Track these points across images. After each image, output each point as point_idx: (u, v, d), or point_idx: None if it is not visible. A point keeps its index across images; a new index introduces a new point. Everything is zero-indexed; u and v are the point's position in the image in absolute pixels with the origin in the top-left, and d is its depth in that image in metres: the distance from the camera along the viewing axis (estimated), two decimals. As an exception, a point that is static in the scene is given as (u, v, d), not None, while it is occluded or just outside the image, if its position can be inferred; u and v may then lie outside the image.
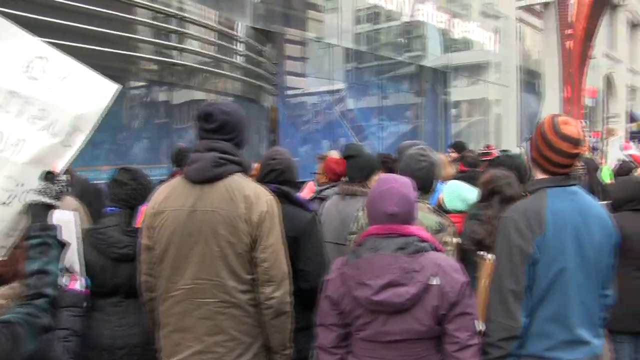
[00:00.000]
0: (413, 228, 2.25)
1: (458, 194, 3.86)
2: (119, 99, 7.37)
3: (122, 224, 2.95)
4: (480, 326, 2.29)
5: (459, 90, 18.16)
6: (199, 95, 9.18)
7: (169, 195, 2.52)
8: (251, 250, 2.47)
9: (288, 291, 2.55)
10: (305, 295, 2.87)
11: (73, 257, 2.56)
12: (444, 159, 5.02)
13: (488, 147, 8.67)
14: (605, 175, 8.02)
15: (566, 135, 2.29)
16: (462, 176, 5.43)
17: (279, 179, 3.16)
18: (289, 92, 13.49)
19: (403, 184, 2.30)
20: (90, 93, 2.03)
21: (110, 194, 3.06)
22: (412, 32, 16.00)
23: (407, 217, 2.24)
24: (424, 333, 2.15)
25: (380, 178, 2.40)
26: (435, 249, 2.26)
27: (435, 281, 2.13)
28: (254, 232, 2.45)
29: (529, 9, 21.01)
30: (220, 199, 2.45)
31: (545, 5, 20.72)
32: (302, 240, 2.98)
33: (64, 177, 1.97)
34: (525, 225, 2.24)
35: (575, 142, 2.30)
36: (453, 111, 17.84)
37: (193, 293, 2.45)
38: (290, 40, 13.10)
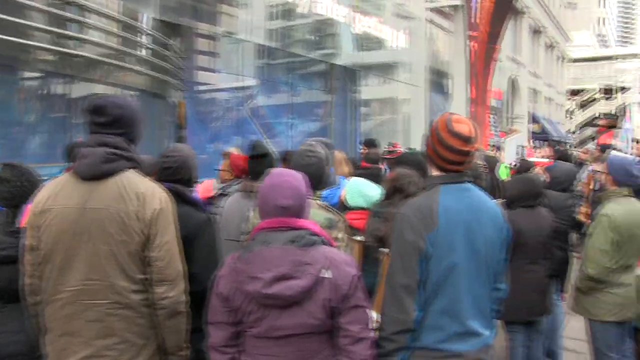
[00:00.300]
0: (305, 221, 2.27)
1: (359, 190, 3.90)
2: (11, 90, 6.91)
3: (4, 224, 2.79)
4: (376, 317, 2.36)
5: (370, 89, 18.50)
6: (100, 88, 8.74)
7: (56, 193, 2.41)
8: (144, 249, 2.40)
9: (183, 290, 2.50)
10: (197, 297, 2.78)
11: None
12: (339, 156, 5.07)
13: (394, 145, 8.89)
14: (503, 173, 8.37)
15: (457, 132, 2.36)
16: (364, 173, 5.56)
17: (173, 177, 3.10)
18: (199, 88, 13.21)
19: (295, 177, 2.32)
20: None
21: None
22: (325, 30, 16.10)
23: (299, 211, 2.26)
24: (316, 327, 2.17)
25: (272, 172, 2.40)
26: (327, 243, 2.29)
27: (327, 274, 2.16)
28: (146, 230, 2.39)
29: (439, 11, 21.73)
30: (111, 196, 2.37)
31: (454, 7, 21.50)
32: (193, 242, 2.92)
33: None
34: (417, 221, 2.30)
35: (466, 139, 2.36)
36: (363, 109, 18.14)
37: (82, 295, 2.35)
38: (201, 34, 12.81)
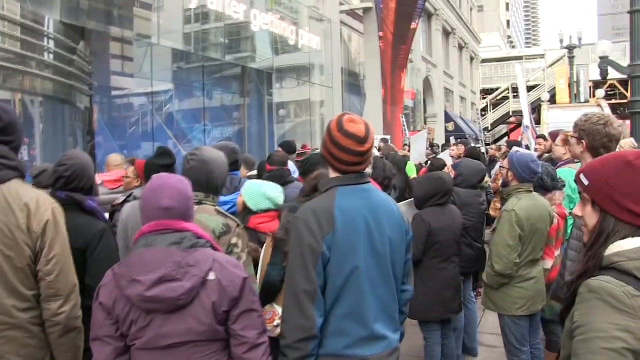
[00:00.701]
0: (188, 224, 2.17)
1: (262, 192, 3.75)
2: None
3: None
4: (282, 311, 2.30)
5: (285, 92, 18.57)
6: (2, 94, 8.46)
7: None
8: (33, 263, 2.29)
9: (78, 304, 2.40)
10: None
11: None
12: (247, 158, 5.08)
13: (303, 146, 9.05)
14: (410, 170, 8.53)
15: (351, 133, 2.30)
16: (271, 175, 5.58)
17: (69, 185, 2.98)
18: (112, 93, 12.89)
19: (178, 179, 2.24)
20: None
21: None
22: (240, 33, 16.08)
23: (182, 213, 2.16)
24: (205, 333, 2.07)
25: (153, 176, 2.28)
26: (212, 247, 2.20)
27: (212, 275, 2.07)
28: (36, 243, 2.29)
29: (352, 13, 22.08)
30: None
31: (366, 10, 21.94)
32: (89, 253, 2.82)
33: None
34: (314, 224, 2.22)
35: (360, 139, 2.30)
36: (279, 112, 18.21)
37: None
38: (114, 37, 12.49)
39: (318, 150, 5.64)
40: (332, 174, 2.40)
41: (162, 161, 3.71)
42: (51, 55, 9.49)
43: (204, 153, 2.96)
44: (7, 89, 8.59)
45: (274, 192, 3.77)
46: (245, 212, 3.71)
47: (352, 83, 22.26)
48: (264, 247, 3.39)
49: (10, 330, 2.25)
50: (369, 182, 2.44)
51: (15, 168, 2.35)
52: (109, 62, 12.74)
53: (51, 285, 2.32)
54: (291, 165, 5.78)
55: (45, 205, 2.35)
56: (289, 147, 8.45)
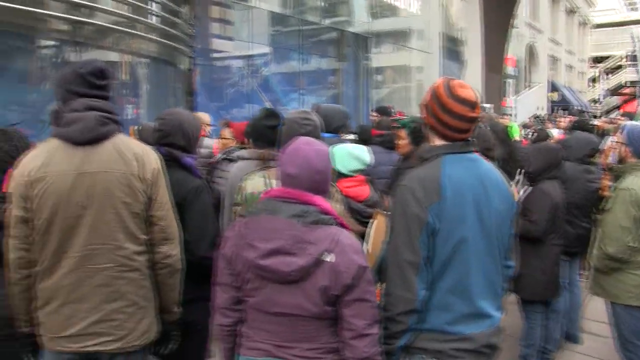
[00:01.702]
0: (316, 198, 2.10)
1: (351, 153, 3.65)
2: (27, 58, 7.13)
3: None
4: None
5: (382, 57, 18.28)
6: (112, 56, 8.93)
7: (46, 160, 2.34)
8: (147, 209, 2.42)
9: (181, 248, 2.54)
10: (188, 265, 2.77)
11: None
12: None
13: (398, 113, 8.83)
14: (515, 131, 7.94)
15: (462, 98, 2.20)
16: (379, 140, 5.47)
17: (165, 140, 3.04)
18: (211, 55, 13.21)
19: (314, 149, 2.14)
20: None
21: None
22: (337, -4, 16.00)
23: (310, 185, 2.09)
24: (313, 312, 2.03)
25: (299, 139, 2.23)
26: (340, 225, 2.11)
27: (329, 258, 1.99)
28: (149, 190, 2.41)
29: (454, -24, 21.37)
30: (110, 159, 2.36)
31: (468, -29, 21.09)
32: (186, 207, 2.87)
33: None
34: (421, 192, 2.13)
35: (472, 105, 2.21)
36: (375, 77, 18.00)
37: (87, 260, 2.34)
38: (213, 1, 12.80)
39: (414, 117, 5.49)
40: (437, 142, 2.30)
41: (269, 122, 3.69)
42: (157, 19, 9.83)
43: (316, 118, 3.03)
44: (118, 51, 9.04)
45: (359, 151, 3.70)
46: (337, 176, 3.58)
47: (451, 49, 21.57)
48: (373, 223, 3.40)
49: (130, 272, 2.40)
50: (474, 150, 2.33)
51: (118, 122, 2.48)
52: (208, 25, 13.02)
53: (163, 230, 2.45)
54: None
55: (152, 156, 2.49)
56: (384, 112, 8.30)
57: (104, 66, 2.48)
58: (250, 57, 13.28)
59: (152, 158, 2.48)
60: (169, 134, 3.06)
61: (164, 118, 3.13)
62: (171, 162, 2.98)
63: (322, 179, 2.15)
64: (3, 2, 6.41)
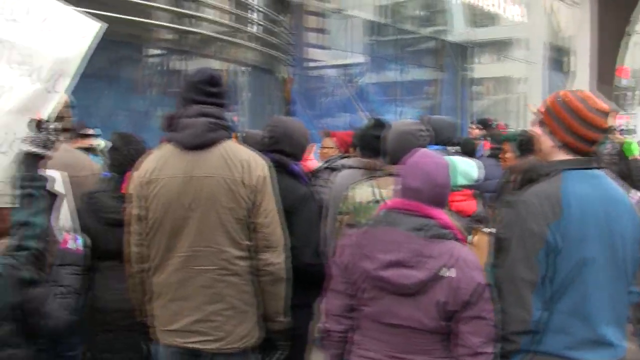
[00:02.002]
0: (436, 211, 2.07)
1: (457, 168, 3.49)
2: (135, 66, 7.40)
3: (111, 190, 2.91)
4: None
5: (482, 67, 17.82)
6: (214, 64, 9.14)
7: (159, 163, 2.45)
8: (250, 215, 2.42)
9: (285, 257, 2.51)
10: (294, 271, 2.79)
11: (67, 216, 2.54)
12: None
13: (498, 126, 8.36)
14: (634, 149, 7.36)
15: (599, 108, 2.11)
16: (492, 154, 5.36)
17: (274, 147, 3.05)
18: (307, 64, 13.39)
19: (435, 162, 2.13)
20: (72, 35, 1.90)
21: (108, 159, 3.04)
22: (435, 5, 15.72)
23: (432, 198, 2.07)
24: (429, 326, 2.00)
25: (419, 151, 2.22)
26: (458, 240, 2.08)
27: (448, 273, 1.96)
28: (253, 197, 2.42)
29: (561, -19, 20.40)
30: (217, 164, 2.41)
31: (577, -24, 20.08)
32: (294, 215, 2.86)
33: (52, 125, 1.88)
34: (539, 208, 2.04)
35: (606, 115, 2.13)
36: (474, 88, 17.53)
37: (191, 261, 2.41)
38: (311, 11, 12.94)
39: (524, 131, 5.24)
40: (559, 156, 2.17)
41: (377, 132, 3.58)
42: (257, 28, 10.02)
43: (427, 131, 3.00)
44: (220, 59, 9.27)
45: (466, 166, 3.58)
46: None
47: (556, 59, 20.60)
48: (471, 239, 3.20)
49: (230, 276, 2.42)
50: (598, 167, 2.19)
51: (229, 128, 2.52)
52: (305, 35, 13.16)
53: (266, 237, 2.44)
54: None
55: (259, 163, 2.48)
56: (485, 125, 8.05)
57: (216, 74, 2.53)
58: (346, 66, 13.29)
59: (259, 165, 2.47)
60: (278, 140, 3.06)
61: (274, 125, 3.15)
62: (279, 169, 2.97)
63: (443, 192, 2.13)
64: (114, 12, 6.70)
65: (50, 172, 2.31)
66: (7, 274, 1.64)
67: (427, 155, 2.17)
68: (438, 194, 2.09)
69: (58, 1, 1.94)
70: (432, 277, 1.95)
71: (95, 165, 3.71)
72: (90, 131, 4.24)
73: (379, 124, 3.64)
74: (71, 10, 1.95)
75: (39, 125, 1.84)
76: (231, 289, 2.43)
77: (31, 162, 1.82)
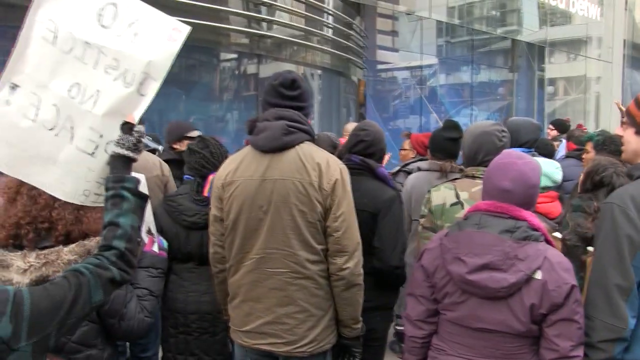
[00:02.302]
0: (526, 213, 2.06)
1: (541, 169, 3.61)
2: (210, 71, 7.53)
3: (192, 192, 2.98)
4: None
5: (556, 67, 17.28)
6: (288, 67, 9.19)
7: (238, 166, 2.51)
8: (323, 219, 2.43)
9: (360, 262, 2.49)
10: (379, 274, 2.84)
11: (149, 219, 2.57)
12: None
13: (578, 126, 8.09)
14: None
15: None
16: (573, 155, 5.24)
17: (366, 151, 3.10)
18: (378, 67, 13.35)
19: (527, 162, 2.11)
20: (160, 38, 1.93)
21: (186, 162, 3.09)
22: (507, 5, 15.37)
23: (523, 200, 2.06)
24: (518, 330, 1.98)
25: (503, 152, 2.24)
26: (547, 242, 2.06)
27: (539, 275, 1.95)
28: (326, 200, 2.41)
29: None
30: (291, 167, 2.42)
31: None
32: (379, 217, 2.92)
33: (140, 128, 1.90)
34: (634, 211, 1.98)
35: None
36: (549, 89, 17.00)
37: (263, 263, 2.45)
38: (381, 13, 12.91)
39: (606, 133, 5.07)
40: None
41: (449, 134, 3.73)
42: (330, 31, 10.01)
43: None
44: (292, 62, 9.31)
45: (550, 168, 3.53)
46: None
47: (636, 57, 19.68)
48: None
49: (302, 279, 2.42)
50: None
51: (307, 132, 2.51)
52: (376, 37, 13.15)
53: (338, 242, 2.42)
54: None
55: (334, 166, 2.46)
56: (561, 126, 7.97)
57: (296, 77, 2.54)
58: (417, 68, 13.16)
59: (333, 168, 2.45)
60: (370, 144, 3.11)
61: (366, 129, 3.17)
62: (366, 172, 3.04)
63: (534, 194, 2.13)
64: (188, 18, 6.80)
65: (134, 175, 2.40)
66: (97, 273, 1.64)
67: (517, 156, 2.15)
68: (530, 195, 2.09)
69: (145, 4, 1.96)
70: (523, 279, 1.94)
71: (165, 167, 3.74)
72: (196, 133, 4.28)
73: (451, 126, 3.73)
74: (159, 13, 1.97)
75: (128, 127, 1.87)
76: (302, 293, 2.44)
77: (121, 164, 1.85)
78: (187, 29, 1.97)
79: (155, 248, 2.54)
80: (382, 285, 2.86)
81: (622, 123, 2.26)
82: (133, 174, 2.00)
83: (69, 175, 1.86)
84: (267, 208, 2.42)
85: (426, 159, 4.64)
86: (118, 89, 1.87)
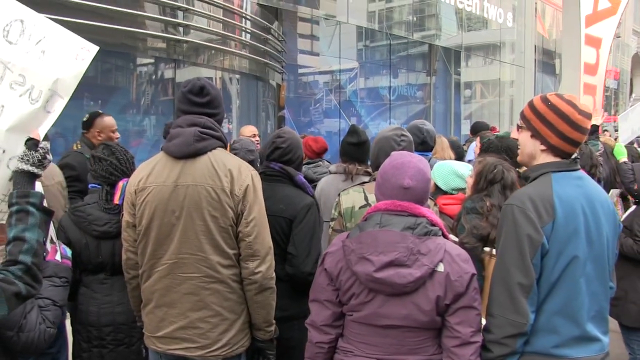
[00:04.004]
0: (424, 209, 2.13)
1: (454, 170, 3.61)
2: (126, 76, 7.41)
3: (101, 201, 2.90)
4: (484, 323, 2.17)
5: (473, 71, 17.88)
6: (205, 72, 9.12)
7: (151, 172, 2.50)
8: (235, 224, 2.45)
9: (272, 266, 2.52)
10: (292, 280, 2.86)
11: (50, 226, 2.56)
12: (444, 141, 4.86)
13: (492, 129, 8.40)
14: (619, 153, 7.48)
15: (583, 110, 2.17)
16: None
17: (283, 158, 3.11)
18: (299, 71, 13.42)
19: (419, 159, 2.19)
20: (68, 57, 1.94)
21: (90, 170, 2.99)
22: (425, 10, 15.78)
23: (420, 195, 2.13)
24: (423, 323, 2.04)
25: (394, 153, 2.29)
26: (444, 236, 2.14)
27: (441, 267, 2.01)
28: (237, 206, 2.44)
29: (549, -15, 20.52)
30: (203, 174, 2.44)
31: (565, -21, 20.18)
32: (294, 223, 2.94)
33: (45, 144, 1.89)
34: (533, 212, 2.06)
35: (590, 116, 2.19)
36: (466, 92, 17.58)
37: (177, 268, 2.45)
38: (302, 17, 12.98)
39: (506, 133, 5.26)
40: (546, 159, 2.21)
41: (349, 139, 3.79)
42: (248, 35, 10.01)
43: (409, 134, 3.08)
44: (210, 67, 9.27)
45: (464, 170, 3.61)
46: (435, 192, 3.59)
47: (546, 62, 20.71)
48: None
49: (215, 283, 2.44)
50: (580, 169, 2.26)
51: (219, 138, 2.54)
52: (296, 41, 13.23)
53: (250, 246, 2.45)
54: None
55: (246, 172, 2.50)
56: (473, 128, 8.14)
57: (205, 84, 2.54)
58: (336, 72, 13.30)
59: (244, 175, 2.49)
60: (288, 151, 3.12)
61: (282, 136, 3.17)
62: (284, 179, 3.06)
63: (429, 189, 2.20)
64: (107, 23, 6.71)
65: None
66: (2, 288, 1.64)
67: (410, 155, 2.22)
68: (427, 190, 2.16)
69: (53, 23, 1.97)
70: (427, 273, 1.99)
71: (57, 171, 3.60)
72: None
73: (353, 131, 3.83)
74: (68, 32, 1.98)
75: (32, 144, 1.87)
76: (215, 297, 2.45)
77: (26, 179, 1.84)
78: (95, 48, 1.99)
79: (58, 257, 2.49)
80: (297, 293, 2.85)
81: (518, 127, 2.32)
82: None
83: None
84: (179, 213, 2.42)
85: (315, 162, 4.80)
86: (23, 105, 1.86)
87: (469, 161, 6.28)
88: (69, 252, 2.62)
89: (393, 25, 15.07)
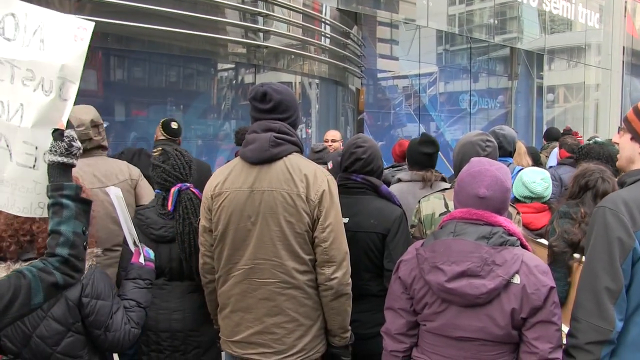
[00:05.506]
0: (501, 218, 2.07)
1: (519, 178, 3.62)
2: (207, 81, 7.54)
3: (157, 206, 2.94)
4: (567, 331, 2.08)
5: (556, 74, 17.31)
6: (285, 77, 9.24)
7: (227, 177, 2.54)
8: (311, 229, 2.45)
9: (348, 272, 2.50)
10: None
11: (133, 231, 2.59)
12: (521, 147, 4.72)
13: (574, 133, 8.03)
14: None
15: None
16: (567, 163, 5.23)
17: (365, 169, 3.01)
18: (378, 75, 13.38)
19: (498, 168, 2.13)
20: (67, 40, 1.91)
21: (152, 177, 3.05)
22: (506, 13, 15.39)
23: (498, 205, 2.07)
24: (499, 336, 1.98)
25: (472, 160, 2.23)
26: (522, 246, 2.07)
27: (517, 279, 1.95)
28: (313, 211, 2.44)
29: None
30: (278, 179, 2.45)
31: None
32: (389, 237, 2.87)
33: (69, 132, 1.88)
34: (627, 215, 1.98)
35: None
36: (548, 96, 16.99)
37: (253, 273, 2.47)
38: (381, 22, 12.94)
39: (598, 140, 5.05)
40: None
41: (424, 149, 3.71)
42: (327, 40, 10.02)
43: (494, 141, 3.02)
44: (289, 72, 9.33)
45: (531, 177, 3.59)
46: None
47: (635, 64, 19.67)
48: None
49: (291, 289, 2.46)
50: None
51: (295, 143, 2.54)
52: (375, 45, 13.21)
53: (326, 252, 2.45)
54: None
55: (321, 177, 2.49)
56: (549, 134, 8.17)
57: (267, 90, 2.52)
58: (416, 76, 13.15)
59: (320, 180, 2.48)
60: (369, 162, 3.02)
61: (362, 145, 3.05)
62: (369, 190, 2.97)
63: (508, 198, 2.14)
64: (188, 30, 6.85)
65: (111, 190, 2.50)
66: (39, 277, 1.70)
67: (489, 163, 2.16)
68: (505, 199, 2.10)
69: (41, 8, 1.93)
70: (502, 284, 1.95)
71: (134, 170, 3.59)
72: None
73: (427, 141, 3.73)
74: (60, 14, 1.95)
75: (61, 134, 1.86)
76: (291, 302, 2.47)
77: (59, 171, 1.85)
78: (91, 25, 1.95)
79: (142, 259, 2.55)
80: None
81: (620, 129, 2.26)
82: (112, 188, 1.98)
83: (18, 191, 1.88)
84: (255, 219, 2.45)
85: (401, 165, 4.75)
86: (40, 98, 1.86)
87: (550, 167, 6.08)
88: (151, 254, 2.65)
89: (473, 28, 14.76)
